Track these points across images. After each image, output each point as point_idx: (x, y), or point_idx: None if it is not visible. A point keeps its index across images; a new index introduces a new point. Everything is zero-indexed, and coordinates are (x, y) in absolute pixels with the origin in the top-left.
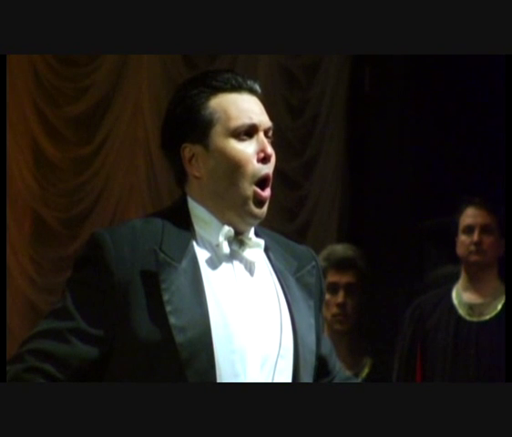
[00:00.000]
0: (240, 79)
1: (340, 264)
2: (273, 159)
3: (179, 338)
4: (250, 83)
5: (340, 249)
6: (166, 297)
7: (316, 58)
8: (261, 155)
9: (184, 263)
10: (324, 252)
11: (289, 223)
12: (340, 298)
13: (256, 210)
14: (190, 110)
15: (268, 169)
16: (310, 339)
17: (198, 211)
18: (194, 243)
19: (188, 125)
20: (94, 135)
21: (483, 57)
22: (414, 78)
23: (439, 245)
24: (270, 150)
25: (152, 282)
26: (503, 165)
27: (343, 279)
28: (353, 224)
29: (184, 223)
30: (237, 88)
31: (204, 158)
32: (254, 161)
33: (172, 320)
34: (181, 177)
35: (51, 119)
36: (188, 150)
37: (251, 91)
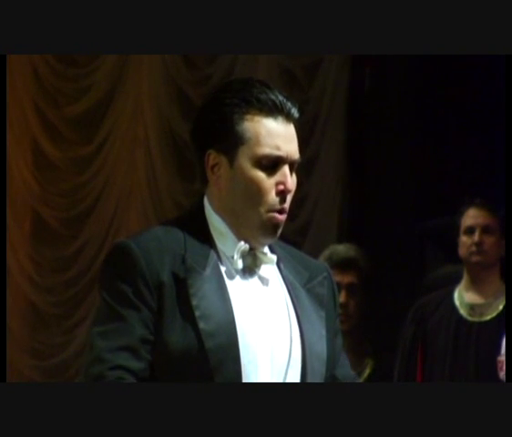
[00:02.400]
0: (278, 102)
1: (342, 264)
2: (293, 191)
3: (208, 343)
4: (288, 107)
5: (342, 250)
6: (194, 302)
7: (316, 58)
8: (281, 188)
9: (208, 271)
10: (326, 252)
11: (289, 223)
12: (342, 298)
13: (270, 234)
14: (224, 120)
15: (285, 204)
16: (320, 348)
17: (214, 221)
18: (214, 253)
19: (218, 133)
20: (94, 135)
21: (483, 57)
22: (414, 78)
23: (440, 245)
24: (289, 185)
25: (180, 288)
26: (503, 165)
27: (345, 279)
28: (353, 224)
29: (203, 232)
30: (274, 112)
31: (226, 172)
32: (273, 192)
33: (202, 324)
34: (203, 179)
35: (51, 119)
36: (212, 158)
37: (288, 117)
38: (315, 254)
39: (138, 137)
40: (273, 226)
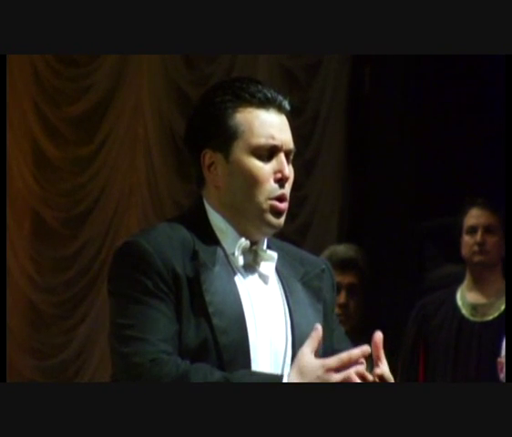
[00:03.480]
0: (269, 95)
1: (342, 265)
2: (291, 180)
3: (222, 339)
4: (279, 100)
5: (342, 250)
6: (208, 298)
7: (316, 58)
8: (279, 175)
9: (217, 267)
10: (326, 252)
11: (289, 223)
12: (342, 298)
13: (274, 220)
14: (216, 117)
15: (284, 190)
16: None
17: (215, 219)
18: (220, 250)
19: (211, 131)
20: (94, 135)
21: (483, 57)
22: (414, 78)
23: (440, 245)
24: (287, 172)
25: (193, 283)
26: (504, 164)
27: (345, 279)
28: (353, 224)
29: (207, 230)
30: (265, 104)
31: (223, 168)
32: (271, 180)
33: (215, 320)
34: (200, 181)
35: (51, 119)
36: (208, 157)
37: (280, 108)
38: (315, 254)
39: (138, 137)
40: (275, 213)
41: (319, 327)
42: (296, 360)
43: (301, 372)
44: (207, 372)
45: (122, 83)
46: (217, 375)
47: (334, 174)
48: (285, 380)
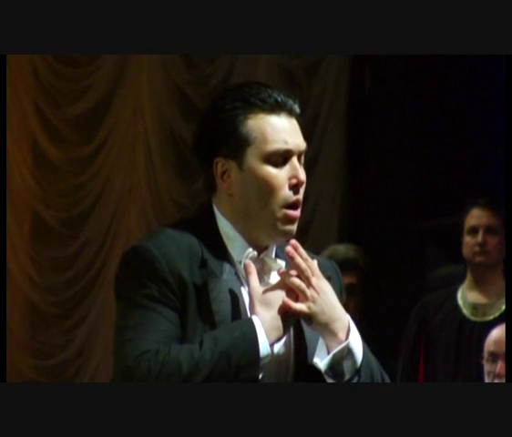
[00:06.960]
0: (280, 99)
1: (342, 265)
2: (305, 184)
3: None
4: (289, 104)
5: (342, 250)
6: (215, 306)
7: (316, 58)
8: (294, 181)
9: (224, 275)
10: (326, 252)
11: None
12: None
13: (286, 228)
14: (227, 125)
15: (299, 195)
16: (316, 345)
17: (223, 225)
18: (228, 258)
19: (223, 139)
20: (94, 135)
21: (483, 57)
22: (414, 78)
23: (440, 245)
24: (302, 177)
25: (201, 291)
26: (504, 164)
27: (345, 280)
28: (353, 224)
29: (216, 237)
30: (276, 109)
31: (236, 176)
32: (286, 187)
33: None
34: (210, 188)
35: (51, 119)
36: (220, 165)
37: (290, 112)
38: (315, 254)
39: (138, 137)
40: (289, 221)
41: (250, 263)
42: (252, 299)
43: (265, 304)
44: (190, 348)
45: (122, 83)
46: (198, 347)
47: (334, 174)
48: (255, 320)
